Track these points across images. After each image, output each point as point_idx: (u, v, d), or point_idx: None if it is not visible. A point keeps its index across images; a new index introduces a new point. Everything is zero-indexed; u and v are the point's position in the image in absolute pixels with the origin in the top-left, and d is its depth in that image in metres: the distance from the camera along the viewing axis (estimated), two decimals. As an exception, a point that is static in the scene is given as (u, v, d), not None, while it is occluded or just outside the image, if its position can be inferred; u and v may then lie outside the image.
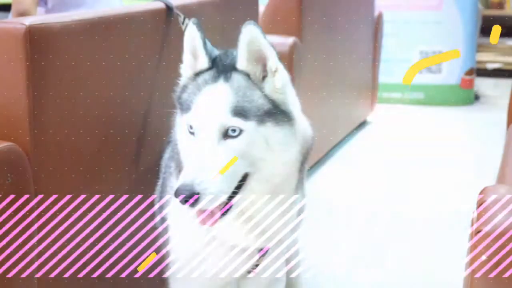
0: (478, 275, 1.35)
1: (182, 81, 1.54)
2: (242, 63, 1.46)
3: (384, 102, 5.04)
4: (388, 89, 5.16)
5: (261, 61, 1.47)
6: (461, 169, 3.74)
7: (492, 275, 1.34)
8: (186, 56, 1.53)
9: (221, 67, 1.47)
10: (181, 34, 1.89)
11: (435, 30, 5.12)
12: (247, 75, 1.46)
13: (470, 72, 5.24)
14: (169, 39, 1.99)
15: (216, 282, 1.71)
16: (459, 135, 4.48)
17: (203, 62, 1.50)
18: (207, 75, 1.47)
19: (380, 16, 4.57)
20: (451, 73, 5.18)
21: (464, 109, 5.16)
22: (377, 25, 4.53)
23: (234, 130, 1.40)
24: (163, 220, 1.70)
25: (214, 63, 1.49)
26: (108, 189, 1.79)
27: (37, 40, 1.48)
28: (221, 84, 1.44)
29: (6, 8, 3.16)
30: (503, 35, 7.03)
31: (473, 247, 1.35)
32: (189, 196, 1.34)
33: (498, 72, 5.89)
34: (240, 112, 1.41)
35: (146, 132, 1.90)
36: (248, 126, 1.41)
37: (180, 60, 2.00)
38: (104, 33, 1.75)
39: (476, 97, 5.36)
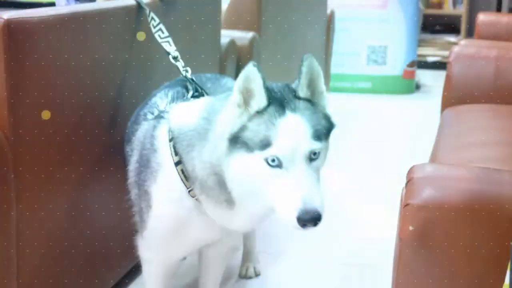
0: (406, 243, 1.38)
1: (236, 122, 1.40)
2: (303, 91, 1.43)
3: (336, 91, 5.07)
4: (339, 79, 5.20)
5: (313, 86, 1.45)
6: (401, 150, 3.79)
7: (418, 243, 1.37)
8: (237, 96, 1.40)
9: (282, 100, 1.40)
10: (149, 29, 1.89)
11: (381, 26, 5.15)
12: (309, 101, 1.43)
13: (412, 64, 5.29)
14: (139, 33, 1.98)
15: (187, 251, 1.74)
16: (402, 120, 4.54)
17: (262, 101, 1.39)
18: (271, 110, 1.39)
19: (332, 14, 4.60)
20: (395, 65, 5.23)
21: (406, 97, 5.22)
22: (329, 21, 4.55)
23: (315, 153, 1.39)
24: (140, 194, 1.65)
25: (270, 98, 1.40)
26: (83, 168, 1.80)
27: (15, 33, 1.46)
28: (293, 114, 1.39)
29: (4, 5, 3.03)
30: (441, 31, 7.06)
31: (402, 219, 1.38)
32: (317, 219, 1.33)
33: (437, 64, 5.95)
34: (317, 135, 1.39)
35: (116, 117, 1.90)
36: (323, 145, 1.41)
37: (147, 53, 1.99)
38: (79, 27, 1.73)
39: (417, 87, 5.42)
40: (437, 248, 1.38)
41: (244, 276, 2.28)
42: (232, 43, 2.87)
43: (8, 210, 1.50)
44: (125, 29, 1.94)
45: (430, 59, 6.02)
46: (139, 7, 1.96)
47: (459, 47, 2.81)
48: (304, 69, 1.42)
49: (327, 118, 1.45)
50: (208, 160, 1.46)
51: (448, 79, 2.74)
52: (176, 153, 1.53)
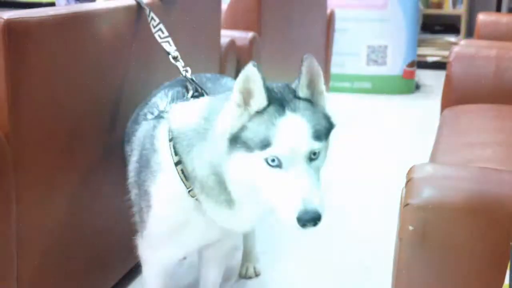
0: (406, 243, 1.38)
1: (236, 122, 1.40)
2: (303, 91, 1.42)
3: (336, 91, 5.08)
4: (339, 79, 5.20)
5: (313, 86, 1.45)
6: (401, 150, 3.79)
7: (418, 243, 1.37)
8: (237, 96, 1.40)
9: (282, 100, 1.40)
10: (149, 29, 1.90)
11: (381, 27, 5.15)
12: (309, 101, 1.43)
13: (411, 64, 5.29)
14: (139, 33, 1.98)
15: (187, 251, 1.74)
16: (402, 120, 4.54)
17: (262, 101, 1.39)
18: (271, 110, 1.38)
19: (332, 14, 4.60)
20: (395, 65, 5.23)
21: (406, 97, 5.22)
22: (329, 22, 4.55)
23: (315, 153, 1.39)
24: (140, 194, 1.65)
25: (270, 98, 1.40)
26: (83, 168, 1.80)
27: (14, 33, 1.46)
28: (293, 114, 1.38)
29: (4, 5, 3.01)
30: (441, 31, 7.06)
31: (402, 219, 1.38)
32: (317, 219, 1.33)
33: (436, 64, 5.95)
34: (317, 135, 1.39)
35: (116, 117, 1.90)
36: (323, 145, 1.40)
37: (147, 53, 1.98)
38: (79, 27, 1.73)
39: (417, 87, 5.42)
40: (437, 248, 1.38)
41: (244, 276, 2.28)
42: (232, 43, 2.88)
43: (8, 210, 1.50)
44: (125, 29, 1.94)
45: (430, 59, 6.02)
46: (139, 7, 1.97)
47: (459, 47, 2.81)
48: (304, 69, 1.42)
49: (327, 118, 1.45)
50: (208, 160, 1.47)
51: (448, 79, 2.75)
52: (176, 153, 1.54)
